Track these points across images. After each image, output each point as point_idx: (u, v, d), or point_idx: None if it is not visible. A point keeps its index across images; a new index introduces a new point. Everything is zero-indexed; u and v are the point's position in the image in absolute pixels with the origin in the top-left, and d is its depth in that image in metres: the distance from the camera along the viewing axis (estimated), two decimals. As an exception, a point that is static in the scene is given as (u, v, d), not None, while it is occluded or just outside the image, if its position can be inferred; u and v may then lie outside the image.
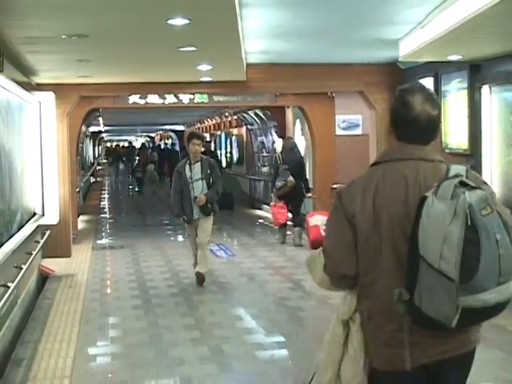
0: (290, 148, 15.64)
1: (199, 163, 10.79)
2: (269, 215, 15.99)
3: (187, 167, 10.78)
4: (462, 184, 3.08)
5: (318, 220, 12.81)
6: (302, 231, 14.61)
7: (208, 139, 34.34)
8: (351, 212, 3.35)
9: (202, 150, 11.32)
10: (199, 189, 10.67)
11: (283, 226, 15.20)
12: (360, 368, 3.39)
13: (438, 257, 3.02)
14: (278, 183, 14.97)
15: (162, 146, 48.15)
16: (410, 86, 3.53)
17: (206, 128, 37.73)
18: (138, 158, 36.03)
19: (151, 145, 57.26)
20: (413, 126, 3.37)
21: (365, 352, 3.38)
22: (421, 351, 3.27)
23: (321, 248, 3.52)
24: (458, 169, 3.25)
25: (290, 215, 15.21)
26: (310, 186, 15.40)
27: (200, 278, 10.94)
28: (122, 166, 50.01)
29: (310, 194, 15.59)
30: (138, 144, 55.40)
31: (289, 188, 14.70)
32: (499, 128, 10.10)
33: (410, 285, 3.11)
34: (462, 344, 3.31)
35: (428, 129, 3.41)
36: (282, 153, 15.54)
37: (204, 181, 10.74)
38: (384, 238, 3.30)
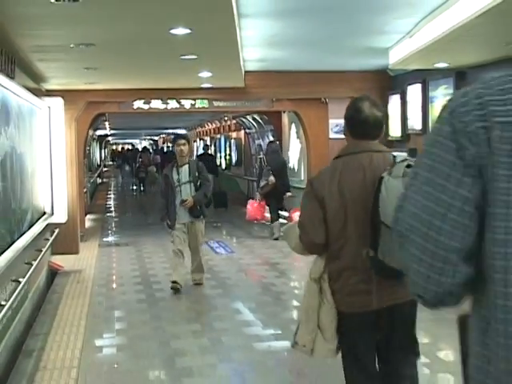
0: (274, 151, 16.43)
1: (187, 166, 10.10)
2: (266, 214, 16.03)
3: (174, 170, 10.08)
4: (409, 166, 3.72)
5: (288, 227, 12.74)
6: (280, 226, 14.43)
7: (208, 143, 34.35)
8: (321, 195, 4.10)
9: (202, 151, 11.29)
10: (187, 192, 9.96)
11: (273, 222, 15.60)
12: (334, 314, 4.14)
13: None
14: (262, 183, 15.59)
15: (165, 149, 48.11)
16: (359, 96, 4.41)
17: (206, 132, 37.74)
18: (140, 159, 36.08)
19: (154, 147, 57.25)
20: (364, 125, 4.15)
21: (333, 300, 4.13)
22: (379, 298, 4.01)
23: (295, 220, 4.46)
24: (402, 156, 4.19)
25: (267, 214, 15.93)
26: (304, 185, 15.40)
27: (199, 281, 10.35)
28: (127, 168, 50.03)
29: (289, 194, 16.08)
30: (141, 147, 55.42)
31: (270, 187, 15.27)
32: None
33: (375, 244, 3.83)
34: (407, 294, 3.42)
35: (375, 127, 4.25)
36: (266, 155, 16.61)
37: (192, 184, 10.04)
38: (349, 213, 4.04)
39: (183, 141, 10.14)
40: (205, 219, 10.31)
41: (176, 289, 9.77)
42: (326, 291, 4.16)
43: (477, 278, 1.75)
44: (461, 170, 1.71)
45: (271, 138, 21.22)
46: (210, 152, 27.86)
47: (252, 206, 16.21)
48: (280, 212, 15.88)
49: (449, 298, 1.86)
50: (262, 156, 16.48)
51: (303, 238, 4.23)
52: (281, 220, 15.57)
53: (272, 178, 15.24)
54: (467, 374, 1.99)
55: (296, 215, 13.04)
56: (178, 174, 10.02)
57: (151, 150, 49.36)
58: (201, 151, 33.44)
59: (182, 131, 44.87)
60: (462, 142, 1.74)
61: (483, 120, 1.75)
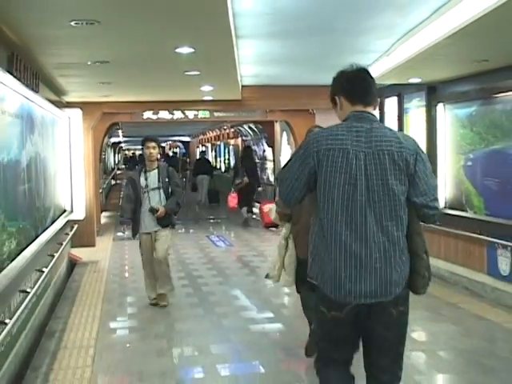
0: (248, 155, 18.53)
1: (156, 171, 8.43)
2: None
3: (142, 175, 8.39)
4: None
5: (268, 207, 14.55)
6: (250, 215, 17.83)
7: (204, 149, 34.36)
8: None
9: (199, 156, 10.82)
10: (156, 199, 8.31)
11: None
12: (294, 259, 5.94)
13: None
14: (237, 180, 17.70)
15: (170, 154, 48.05)
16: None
17: (207, 139, 37.73)
18: None
19: (161, 153, 57.13)
20: None
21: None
22: None
23: (275, 202, 5.81)
24: None
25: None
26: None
27: (162, 300, 8.48)
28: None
29: (260, 188, 18.41)
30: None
31: (243, 185, 17.45)
32: (451, 139, 10.13)
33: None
34: None
35: None
36: (242, 158, 18.58)
37: (161, 190, 8.37)
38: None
39: (153, 143, 8.49)
40: (173, 229, 8.75)
41: (155, 304, 8.46)
42: (290, 245, 5.85)
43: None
44: (302, 166, 3.75)
45: (265, 145, 21.35)
46: (206, 157, 28.25)
47: (231, 198, 18.03)
48: (252, 204, 18.16)
49: (294, 202, 3.87)
50: (237, 159, 19.22)
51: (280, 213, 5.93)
52: (254, 211, 18.20)
53: (246, 179, 17.40)
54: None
55: (265, 206, 16.04)
56: (146, 179, 8.38)
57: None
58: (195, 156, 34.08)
59: (186, 138, 44.87)
60: (310, 157, 3.73)
61: (317, 148, 3.72)
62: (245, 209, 17.60)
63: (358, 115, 3.82)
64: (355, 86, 3.93)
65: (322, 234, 3.68)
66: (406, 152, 3.68)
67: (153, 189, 8.33)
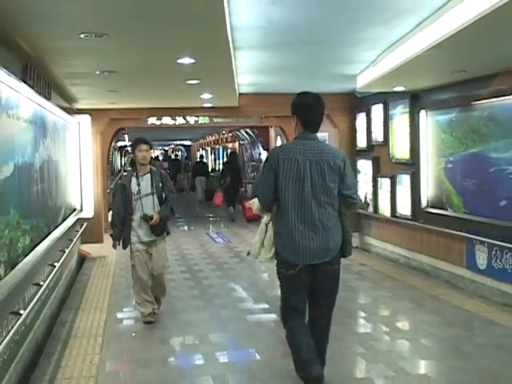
0: (233, 160, 20.08)
1: (149, 175, 7.33)
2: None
3: (134, 180, 7.30)
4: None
5: (250, 204, 14.00)
6: (233, 211, 18.65)
7: (201, 153, 34.60)
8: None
9: (198, 160, 10.50)
10: (150, 206, 7.23)
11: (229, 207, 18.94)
12: (271, 241, 5.25)
13: None
14: (222, 181, 19.26)
15: (173, 157, 48.00)
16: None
17: (207, 143, 37.70)
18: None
19: (164, 155, 57.03)
20: None
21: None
22: None
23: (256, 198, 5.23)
24: None
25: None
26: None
27: (158, 304, 7.62)
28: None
29: (242, 189, 19.79)
30: (154, 155, 55.27)
31: (226, 185, 18.88)
32: (432, 143, 10.14)
33: None
34: None
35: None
36: (227, 162, 20.52)
37: (155, 196, 7.29)
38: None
39: (146, 146, 7.36)
40: (167, 236, 7.59)
41: (150, 322, 7.25)
42: (269, 229, 5.30)
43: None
44: (269, 172, 4.87)
45: (260, 148, 21.42)
46: (204, 161, 28.92)
47: (217, 196, 19.90)
48: (235, 201, 19.09)
49: (267, 207, 4.98)
50: (223, 163, 21.32)
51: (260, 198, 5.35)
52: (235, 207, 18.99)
53: (228, 179, 18.80)
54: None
55: (248, 204, 16.16)
56: (138, 184, 7.26)
57: (160, 158, 49.41)
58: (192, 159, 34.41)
59: (188, 142, 44.79)
60: (273, 164, 4.84)
61: (276, 158, 4.85)
62: (231, 208, 18.71)
63: (307, 136, 5.09)
64: (310, 119, 5.13)
65: (281, 217, 5.02)
66: (338, 161, 5.00)
67: (146, 195, 7.26)
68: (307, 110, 5.11)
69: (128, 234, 7.25)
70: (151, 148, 7.48)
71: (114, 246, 7.52)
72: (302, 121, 5.11)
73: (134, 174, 7.38)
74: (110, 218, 7.73)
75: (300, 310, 5.05)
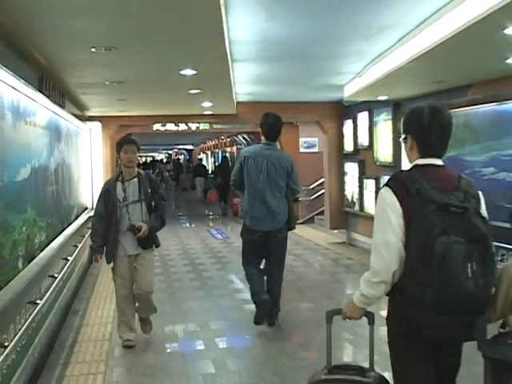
0: (225, 163, 21.60)
1: (136, 180, 5.90)
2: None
3: (119, 185, 5.87)
4: None
5: (237, 201, 15.68)
6: (224, 205, 19.79)
7: (200, 157, 34.87)
8: None
9: (198, 162, 10.24)
10: (137, 214, 5.83)
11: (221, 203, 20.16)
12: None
13: None
14: (215, 181, 20.82)
15: (175, 160, 48.02)
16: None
17: (208, 147, 37.68)
18: (158, 168, 36.43)
19: (168, 158, 57.00)
20: None
21: None
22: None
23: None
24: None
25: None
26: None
27: (146, 326, 6.34)
28: (150, 174, 49.85)
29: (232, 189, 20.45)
30: (159, 159, 55.30)
31: (218, 183, 20.34)
32: (414, 147, 10.18)
33: None
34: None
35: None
36: (219, 165, 22.10)
37: (144, 203, 5.86)
38: None
39: (133, 146, 5.95)
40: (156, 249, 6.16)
41: (130, 346, 5.91)
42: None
43: None
44: (238, 166, 6.44)
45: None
46: (202, 163, 30.42)
47: (211, 194, 22.42)
48: (226, 198, 19.85)
49: (237, 188, 6.82)
50: (217, 166, 23.50)
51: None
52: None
53: (219, 179, 20.13)
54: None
55: (235, 201, 18.05)
56: (124, 190, 5.84)
57: (164, 160, 49.58)
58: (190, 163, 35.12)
59: (190, 147, 44.74)
60: (241, 160, 6.34)
61: (243, 156, 6.37)
62: (223, 204, 19.95)
63: (268, 143, 6.61)
64: (270, 132, 6.60)
65: (245, 199, 6.55)
66: (287, 163, 6.54)
67: (133, 202, 5.83)
68: (269, 126, 6.58)
69: (112, 247, 5.81)
70: (138, 149, 5.98)
71: (96, 259, 5.93)
72: (264, 133, 6.59)
73: (120, 178, 5.91)
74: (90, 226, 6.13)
75: (254, 262, 6.62)
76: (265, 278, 6.64)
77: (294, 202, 7.31)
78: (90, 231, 6.32)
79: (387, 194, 2.77)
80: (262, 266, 6.78)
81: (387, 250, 2.74)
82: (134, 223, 5.80)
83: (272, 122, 6.58)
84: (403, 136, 3.00)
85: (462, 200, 2.65)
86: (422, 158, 2.91)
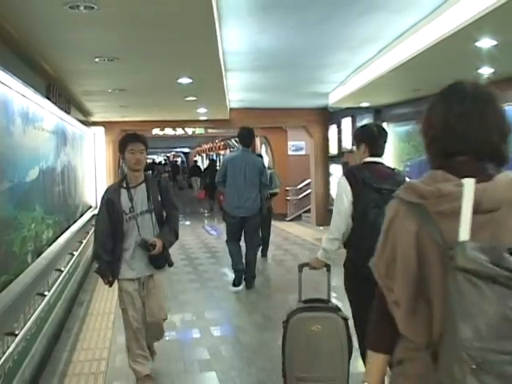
0: (212, 165, 22.63)
1: (144, 186, 4.48)
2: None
3: (124, 194, 4.45)
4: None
5: (222, 198, 16.71)
6: (212, 202, 20.02)
7: (195, 159, 35.16)
8: None
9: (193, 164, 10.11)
10: (148, 228, 4.45)
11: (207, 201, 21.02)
12: None
13: None
14: (203, 180, 21.79)
15: (173, 162, 47.95)
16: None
17: (203, 150, 37.63)
18: (157, 169, 36.54)
19: (166, 161, 56.91)
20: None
21: None
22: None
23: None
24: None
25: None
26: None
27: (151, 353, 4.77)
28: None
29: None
30: (158, 161, 55.24)
31: (206, 183, 20.70)
32: (393, 150, 10.23)
33: None
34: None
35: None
36: (207, 167, 23.12)
37: (154, 214, 4.46)
38: None
39: (140, 145, 4.45)
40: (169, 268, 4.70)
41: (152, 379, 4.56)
42: None
43: None
44: (223, 166, 7.81)
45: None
46: (197, 165, 30.54)
47: (200, 193, 23.20)
48: (214, 196, 19.70)
49: (220, 185, 8.00)
50: (205, 168, 23.80)
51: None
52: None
53: (207, 180, 20.51)
54: None
55: (222, 197, 18.60)
56: (131, 199, 4.42)
57: (163, 162, 49.64)
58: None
59: (186, 150, 44.65)
60: (225, 162, 7.69)
61: (227, 159, 7.87)
62: (212, 201, 20.36)
63: (245, 150, 7.80)
64: (245, 141, 7.83)
65: (228, 192, 7.67)
66: (260, 164, 7.80)
67: (142, 213, 4.42)
68: (243, 136, 7.84)
69: (116, 268, 4.44)
70: (147, 149, 4.49)
71: (109, 284, 4.50)
72: (241, 142, 7.90)
73: (124, 184, 4.50)
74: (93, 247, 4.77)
75: (234, 239, 7.79)
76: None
77: (271, 196, 9.82)
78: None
79: (342, 180, 3.71)
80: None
81: (339, 218, 3.70)
82: (146, 238, 4.39)
83: (246, 133, 7.84)
84: (356, 145, 3.91)
85: (392, 185, 3.32)
86: (370, 157, 3.82)
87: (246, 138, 7.85)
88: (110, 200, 4.46)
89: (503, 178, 1.64)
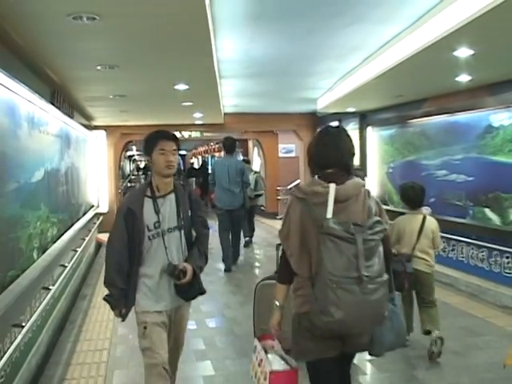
0: (204, 166, 23.79)
1: (173, 196, 3.31)
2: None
3: (148, 204, 3.25)
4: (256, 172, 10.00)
5: (213, 196, 16.80)
6: (206, 199, 19.66)
7: (192, 161, 35.15)
8: None
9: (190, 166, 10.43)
10: (176, 249, 3.31)
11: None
12: None
13: None
14: (197, 180, 21.85)
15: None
16: None
17: (199, 152, 37.54)
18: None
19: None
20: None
21: None
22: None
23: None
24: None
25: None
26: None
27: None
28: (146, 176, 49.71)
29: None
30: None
31: (199, 183, 21.41)
32: (377, 153, 10.27)
33: None
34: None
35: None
36: (201, 167, 23.78)
37: (183, 232, 3.32)
38: None
39: (174, 145, 3.34)
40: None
41: None
42: None
43: None
44: (213, 170, 9.00)
45: (242, 157, 21.59)
46: (194, 167, 30.02)
47: (196, 190, 22.34)
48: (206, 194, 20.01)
49: (212, 186, 9.22)
50: (198, 168, 24.28)
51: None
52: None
53: (200, 179, 21.38)
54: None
55: (213, 196, 19.93)
56: (157, 211, 3.25)
57: None
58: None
59: (183, 152, 44.50)
60: (213, 166, 8.85)
61: (213, 164, 8.13)
62: (205, 200, 20.72)
63: (228, 155, 8.70)
64: (229, 149, 8.73)
65: (217, 191, 8.66)
66: (242, 167, 8.66)
67: (169, 230, 3.30)
68: (228, 145, 8.76)
69: (132, 298, 3.30)
70: (179, 148, 3.40)
71: (123, 317, 3.35)
72: (225, 149, 8.81)
73: (149, 192, 3.32)
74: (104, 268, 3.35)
75: (225, 229, 8.67)
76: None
77: (256, 196, 11.17)
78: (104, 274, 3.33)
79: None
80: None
81: None
82: (175, 263, 3.30)
83: (228, 143, 8.79)
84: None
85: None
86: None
87: (229, 146, 8.79)
88: (130, 211, 3.23)
89: (351, 182, 2.70)
